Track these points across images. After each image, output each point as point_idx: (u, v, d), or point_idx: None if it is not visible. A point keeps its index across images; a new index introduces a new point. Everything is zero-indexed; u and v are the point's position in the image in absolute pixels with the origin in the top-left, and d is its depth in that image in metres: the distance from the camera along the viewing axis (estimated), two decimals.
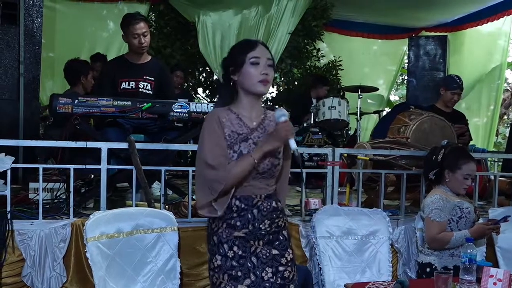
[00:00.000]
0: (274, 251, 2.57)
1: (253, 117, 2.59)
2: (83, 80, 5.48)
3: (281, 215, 2.63)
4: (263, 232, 2.54)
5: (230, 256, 2.51)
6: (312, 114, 7.04)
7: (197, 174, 2.54)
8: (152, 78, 4.74)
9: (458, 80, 5.56)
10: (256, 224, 2.52)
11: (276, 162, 2.55)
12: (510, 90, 16.28)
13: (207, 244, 2.65)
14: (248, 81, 2.51)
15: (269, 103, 9.08)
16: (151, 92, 4.71)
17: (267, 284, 2.51)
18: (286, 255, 2.60)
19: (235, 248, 2.51)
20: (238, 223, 2.52)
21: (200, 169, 2.50)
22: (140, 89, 4.68)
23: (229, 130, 2.51)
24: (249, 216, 2.52)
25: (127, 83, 4.66)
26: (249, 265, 2.52)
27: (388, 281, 3.28)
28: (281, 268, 2.56)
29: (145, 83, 4.70)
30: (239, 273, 2.50)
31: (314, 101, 7.65)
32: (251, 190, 2.52)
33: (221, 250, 2.53)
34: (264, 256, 2.54)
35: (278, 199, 2.66)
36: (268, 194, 2.58)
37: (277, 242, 2.59)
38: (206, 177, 2.46)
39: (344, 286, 3.37)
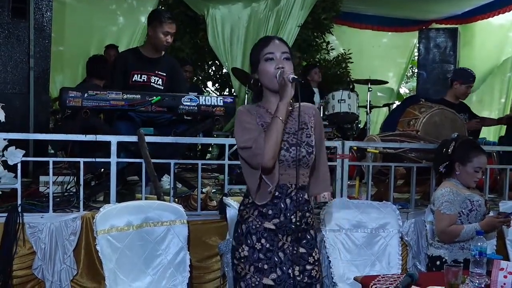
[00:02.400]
0: (302, 249, 2.56)
1: None
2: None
3: (311, 211, 2.62)
4: (293, 225, 2.52)
5: (258, 248, 2.50)
6: (322, 107, 7.03)
7: (242, 166, 2.55)
8: (164, 74, 4.75)
9: (473, 73, 5.55)
10: (288, 214, 2.50)
11: (310, 150, 2.54)
12: None
13: (233, 232, 2.64)
14: (265, 78, 2.52)
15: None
16: (162, 88, 4.72)
17: (292, 281, 2.51)
18: (314, 254, 2.60)
19: (263, 241, 2.51)
20: (270, 212, 2.50)
21: (241, 159, 2.51)
22: (151, 83, 4.70)
23: (260, 121, 2.53)
24: (282, 206, 2.50)
25: (139, 75, 4.67)
26: (276, 259, 2.51)
27: (398, 274, 3.27)
28: (308, 267, 2.56)
29: (157, 78, 4.72)
30: (266, 266, 2.49)
31: (316, 90, 7.70)
32: (287, 179, 2.50)
33: (249, 241, 2.52)
34: (292, 254, 2.53)
35: (310, 193, 2.66)
36: (303, 185, 2.56)
37: (305, 241, 2.58)
38: (245, 159, 2.46)
39: (354, 279, 3.37)
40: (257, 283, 2.48)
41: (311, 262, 2.57)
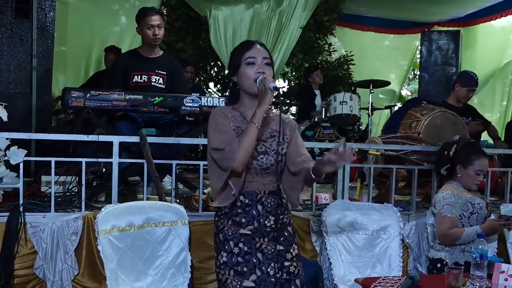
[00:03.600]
0: (279, 247, 2.59)
1: None
2: None
3: (285, 212, 2.65)
4: (268, 229, 2.56)
5: (236, 252, 2.53)
6: (323, 109, 7.04)
7: (209, 165, 2.56)
8: (165, 72, 4.75)
9: (475, 77, 5.55)
10: (261, 220, 2.54)
11: (280, 158, 2.56)
12: None
13: (213, 243, 2.66)
14: (245, 82, 2.53)
15: (281, 98, 9.06)
16: (163, 86, 4.72)
17: (273, 279, 2.53)
18: (291, 251, 2.62)
19: (240, 245, 2.54)
20: (244, 220, 2.54)
21: (210, 157, 2.52)
22: (152, 83, 4.69)
23: (234, 125, 2.54)
24: (254, 212, 2.54)
25: (139, 76, 4.67)
26: (255, 260, 2.53)
27: (399, 277, 3.27)
28: (286, 264, 2.59)
29: (157, 77, 4.71)
30: (245, 269, 2.51)
31: (317, 92, 7.73)
32: (255, 186, 2.54)
33: (226, 247, 2.55)
34: (269, 252, 2.55)
35: (283, 196, 2.65)
36: (272, 190, 2.58)
37: (282, 238, 2.61)
38: (216, 160, 2.47)
39: (355, 281, 3.36)
40: (238, 286, 2.50)
41: (288, 259, 2.60)
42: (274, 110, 2.71)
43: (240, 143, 2.41)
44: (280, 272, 2.55)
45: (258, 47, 2.57)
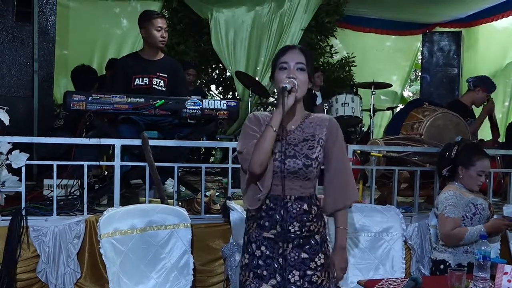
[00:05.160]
0: (304, 255, 2.55)
1: (291, 120, 2.60)
2: (95, 86, 5.57)
3: (314, 220, 2.58)
4: (293, 235, 2.53)
5: (258, 255, 2.54)
6: (325, 110, 7.04)
7: (240, 170, 2.61)
8: (166, 75, 4.74)
9: (496, 86, 5.62)
10: (285, 225, 2.51)
11: (308, 162, 2.52)
12: None
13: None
14: (277, 86, 2.55)
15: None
16: (164, 89, 4.71)
17: (293, 287, 2.51)
18: (316, 260, 2.57)
19: (262, 248, 2.54)
20: (267, 224, 2.53)
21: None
22: (153, 86, 4.68)
23: None
24: (277, 217, 2.52)
25: (140, 79, 4.67)
26: (276, 265, 2.52)
27: (402, 278, 3.28)
28: (309, 272, 2.54)
29: (159, 80, 4.71)
30: (265, 272, 2.52)
31: (318, 94, 7.77)
32: (281, 190, 2.49)
33: (249, 249, 2.57)
34: (293, 259, 2.53)
35: (315, 203, 2.61)
36: (301, 196, 2.55)
37: (308, 246, 2.56)
38: (240, 162, 2.52)
39: (357, 282, 3.37)
40: None
41: (312, 268, 2.55)
42: (313, 115, 2.67)
43: (256, 146, 2.42)
44: (301, 281, 2.52)
45: (293, 51, 2.56)
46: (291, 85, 2.44)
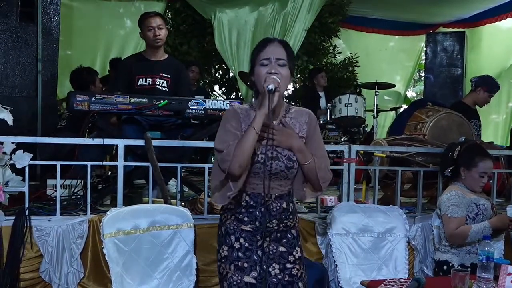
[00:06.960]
0: (282, 248, 2.57)
1: (273, 115, 2.51)
2: (92, 88, 5.57)
3: (291, 216, 2.61)
4: (271, 229, 2.55)
5: (237, 247, 2.53)
6: (329, 111, 7.04)
7: (213, 164, 2.58)
8: (169, 76, 4.76)
9: (499, 85, 5.59)
10: (264, 222, 2.52)
11: (290, 164, 2.51)
12: None
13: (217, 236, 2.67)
14: (257, 81, 2.49)
15: (285, 100, 9.06)
16: (167, 89, 4.73)
17: (275, 280, 2.53)
18: (294, 253, 2.60)
19: (241, 240, 2.53)
20: (246, 218, 2.53)
21: (215, 158, 2.53)
22: (156, 86, 4.70)
23: (245, 125, 2.51)
24: (257, 214, 2.52)
25: (144, 79, 4.68)
26: (255, 258, 2.53)
27: (405, 279, 3.27)
28: (288, 266, 2.57)
29: (162, 80, 4.72)
30: (245, 265, 2.52)
31: (322, 94, 7.77)
32: (262, 189, 2.48)
33: (227, 241, 2.55)
34: (271, 252, 2.55)
35: (292, 200, 2.63)
36: (280, 194, 2.56)
37: (285, 240, 2.59)
38: (218, 161, 2.45)
39: (360, 283, 3.36)
40: (238, 281, 2.51)
41: (291, 261, 2.57)
42: (294, 108, 2.65)
43: (237, 147, 2.37)
44: (282, 274, 2.54)
45: (273, 45, 2.50)
46: (275, 84, 2.37)
